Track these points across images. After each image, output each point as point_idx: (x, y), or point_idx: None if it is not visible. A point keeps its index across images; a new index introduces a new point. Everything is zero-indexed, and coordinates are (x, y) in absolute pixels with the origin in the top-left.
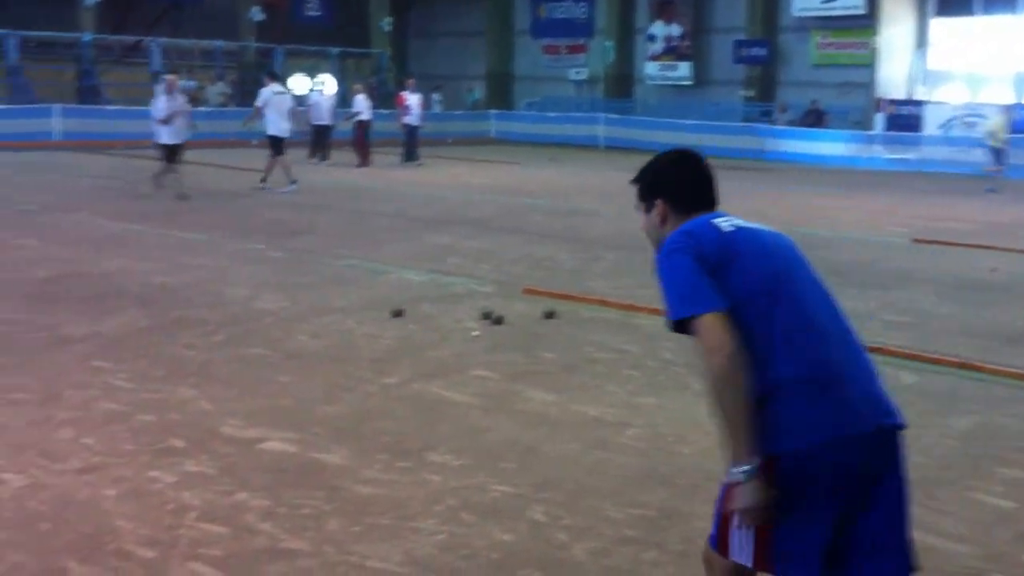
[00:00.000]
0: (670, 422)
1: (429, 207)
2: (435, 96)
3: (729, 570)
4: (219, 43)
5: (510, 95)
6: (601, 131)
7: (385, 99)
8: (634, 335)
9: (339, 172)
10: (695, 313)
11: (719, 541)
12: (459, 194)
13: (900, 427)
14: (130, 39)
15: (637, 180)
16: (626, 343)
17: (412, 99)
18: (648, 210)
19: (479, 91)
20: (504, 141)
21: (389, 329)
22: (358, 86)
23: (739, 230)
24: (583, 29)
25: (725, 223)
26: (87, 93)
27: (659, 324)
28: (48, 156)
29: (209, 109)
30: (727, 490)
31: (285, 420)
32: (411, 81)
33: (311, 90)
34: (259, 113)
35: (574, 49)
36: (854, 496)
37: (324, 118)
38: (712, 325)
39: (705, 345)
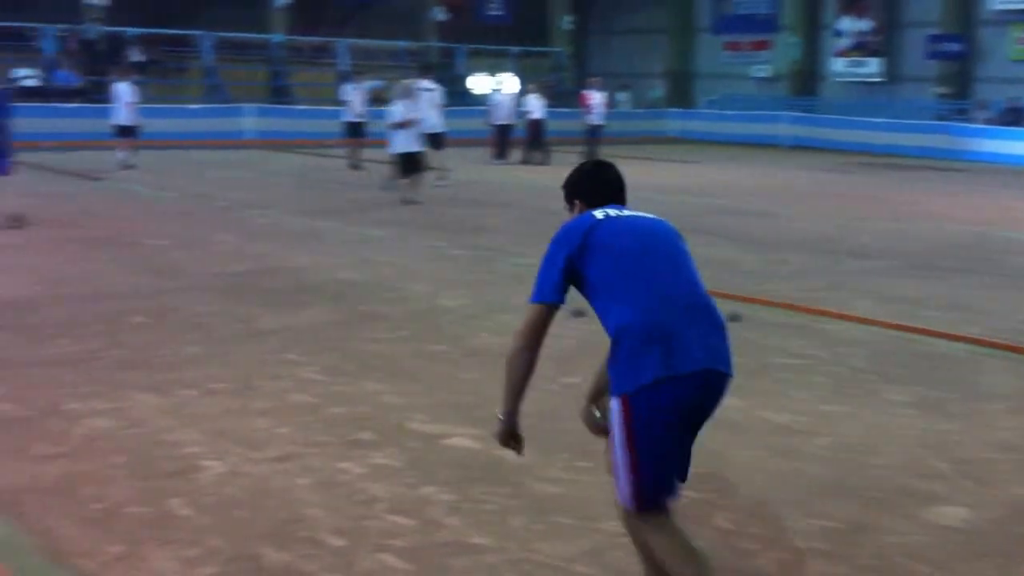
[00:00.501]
0: (860, 432)
1: None
2: (621, 95)
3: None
4: (403, 43)
5: (690, 93)
6: (784, 129)
7: (564, 98)
8: (821, 340)
9: (521, 171)
10: (532, 300)
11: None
12: (638, 194)
13: (728, 375)
14: (319, 40)
15: (563, 186)
16: (813, 348)
17: (596, 98)
18: (571, 209)
19: (659, 89)
20: (684, 140)
21: (570, 328)
22: (531, 85)
23: (611, 218)
24: (767, 25)
25: (604, 213)
26: (277, 93)
27: (849, 330)
28: (240, 154)
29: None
30: None
31: (469, 416)
32: (596, 80)
33: (492, 89)
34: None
35: (757, 45)
36: (691, 426)
37: (505, 117)
38: (532, 313)
39: (521, 324)
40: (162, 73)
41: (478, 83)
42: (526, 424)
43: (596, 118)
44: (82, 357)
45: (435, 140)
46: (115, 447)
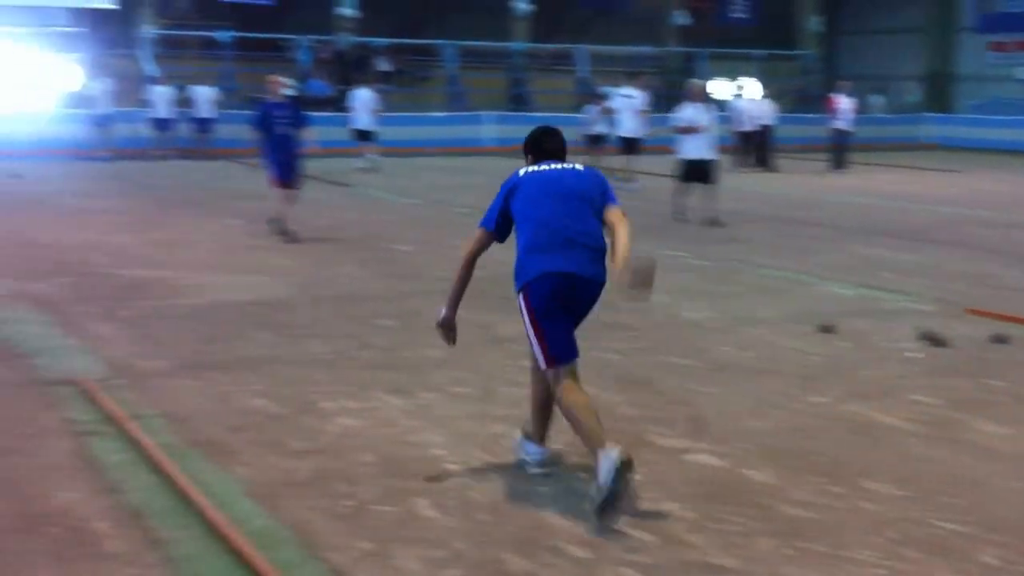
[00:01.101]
0: None
1: (858, 216)
2: (874, 99)
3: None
4: (643, 48)
5: (949, 97)
6: None
7: (810, 102)
8: None
9: (765, 179)
10: (479, 224)
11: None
12: (891, 203)
13: (592, 281)
14: (559, 47)
15: (524, 144)
16: None
17: (844, 102)
18: (527, 161)
19: (916, 93)
20: (942, 147)
21: (817, 345)
22: (767, 91)
23: (537, 171)
24: None
25: (537, 166)
26: (516, 101)
27: None
28: (479, 161)
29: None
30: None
31: (711, 432)
32: (844, 83)
33: (734, 95)
34: (609, 113)
35: None
36: (570, 312)
37: (747, 123)
38: (477, 234)
39: (469, 240)
40: (407, 82)
41: (719, 88)
42: (769, 443)
43: (844, 123)
44: (333, 357)
45: (630, 145)
46: (364, 446)
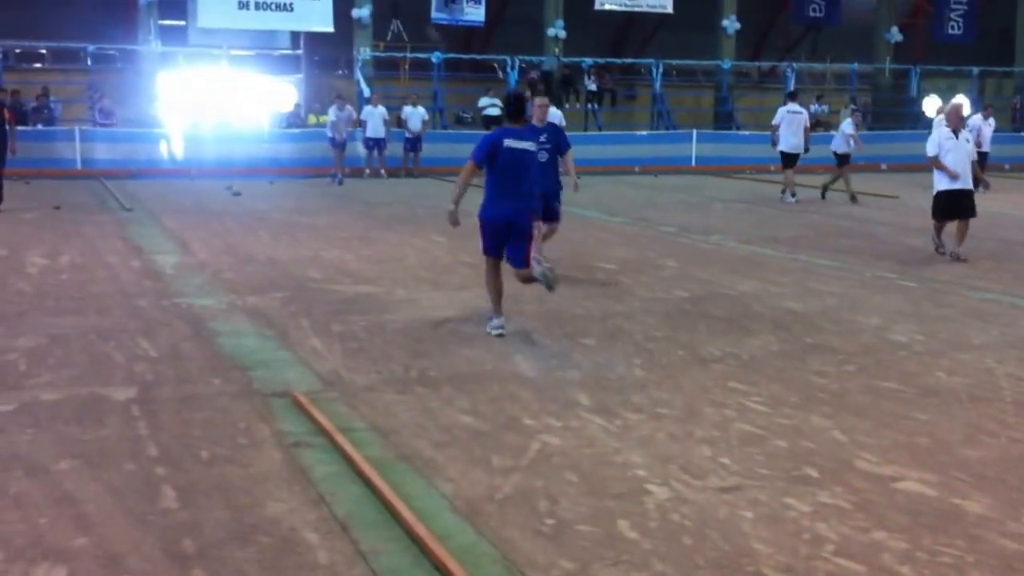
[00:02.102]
0: None
1: None
2: None
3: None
4: (853, 65)
5: None
6: None
7: None
8: None
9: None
10: (470, 158)
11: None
12: None
13: (516, 221)
14: (767, 64)
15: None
16: None
17: None
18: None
19: None
20: None
21: None
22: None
23: (511, 145)
24: None
25: (509, 138)
26: (722, 118)
27: None
28: (684, 179)
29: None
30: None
31: (922, 460)
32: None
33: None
34: (776, 131)
35: None
36: (507, 233)
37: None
38: (468, 165)
39: (466, 165)
40: (613, 100)
41: (931, 105)
42: (984, 472)
43: None
44: (536, 375)
45: (790, 159)
46: (567, 464)
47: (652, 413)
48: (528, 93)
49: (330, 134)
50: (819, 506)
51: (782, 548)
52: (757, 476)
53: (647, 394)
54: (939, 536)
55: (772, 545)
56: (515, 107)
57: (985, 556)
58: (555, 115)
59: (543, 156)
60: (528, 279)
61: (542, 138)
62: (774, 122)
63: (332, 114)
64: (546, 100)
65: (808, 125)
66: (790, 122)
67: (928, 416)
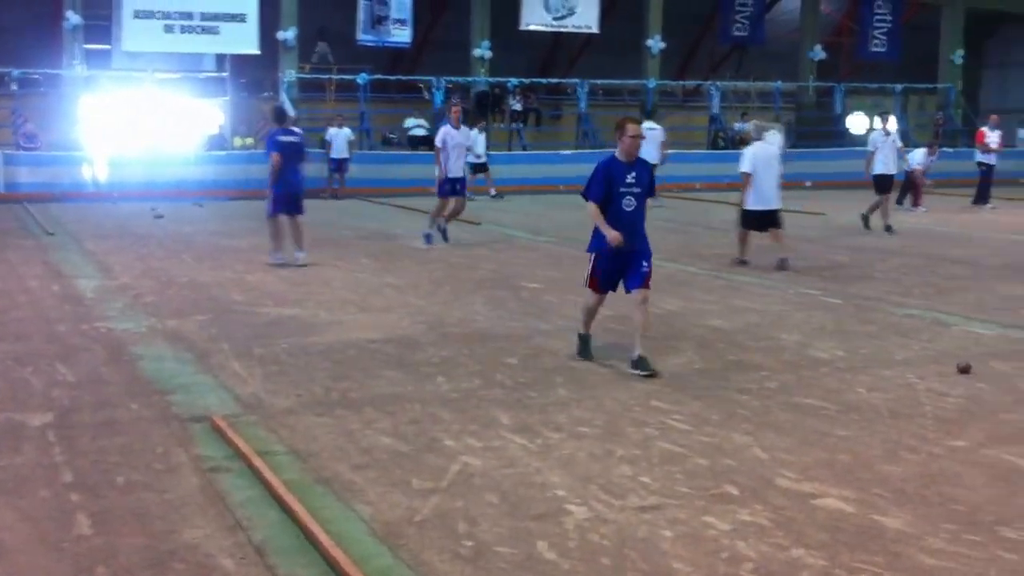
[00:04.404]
0: None
1: (1001, 253)
2: (1022, 132)
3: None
4: (777, 84)
5: None
6: None
7: (951, 137)
8: None
9: (905, 216)
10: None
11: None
12: None
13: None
14: (691, 83)
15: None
16: None
17: (992, 136)
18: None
19: None
20: None
21: (955, 387)
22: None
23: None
24: None
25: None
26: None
27: None
28: None
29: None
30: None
31: (842, 476)
32: (994, 118)
33: (869, 130)
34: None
35: None
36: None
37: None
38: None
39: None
40: (539, 120)
41: (855, 123)
42: (903, 488)
43: (990, 157)
44: (458, 396)
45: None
46: (487, 485)
47: (573, 432)
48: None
49: (332, 155)
50: (739, 524)
51: (700, 567)
52: (677, 495)
53: (569, 413)
54: (858, 553)
55: (691, 564)
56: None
57: (903, 572)
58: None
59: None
60: None
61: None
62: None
63: (330, 135)
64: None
65: (665, 140)
66: (649, 138)
67: (849, 432)
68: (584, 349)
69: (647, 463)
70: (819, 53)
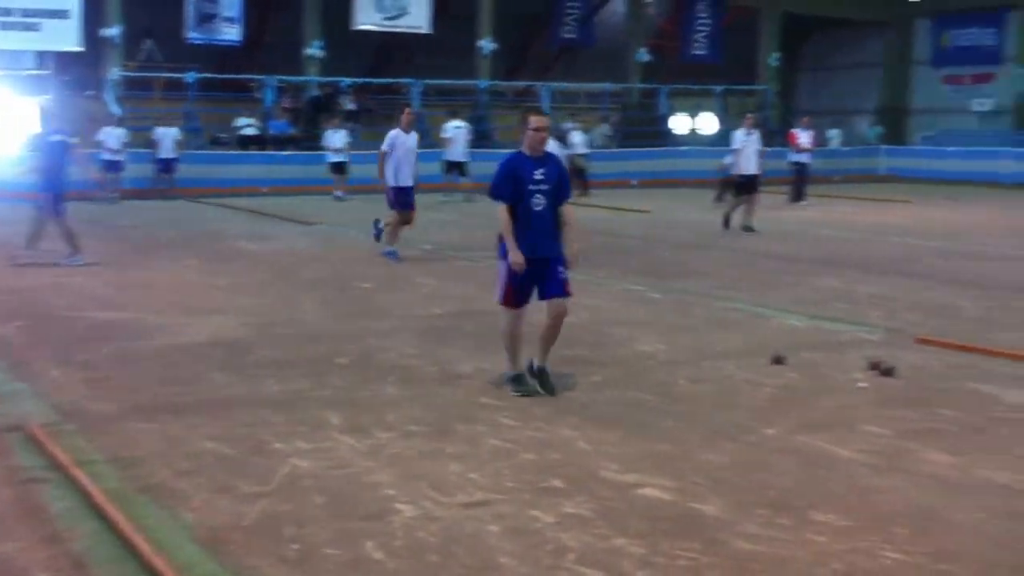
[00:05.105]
0: None
1: (816, 248)
2: (832, 133)
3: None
4: (606, 85)
5: (904, 129)
6: (1007, 166)
7: (770, 136)
8: None
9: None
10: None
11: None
12: (848, 234)
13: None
14: (522, 84)
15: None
16: None
17: (803, 137)
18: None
19: (877, 127)
20: (895, 178)
21: (770, 376)
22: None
23: None
24: (991, 56)
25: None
26: (480, 137)
27: None
28: (438, 197)
29: (592, 151)
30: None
31: (663, 466)
32: (805, 119)
33: (692, 131)
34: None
35: (979, 78)
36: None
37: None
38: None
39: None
40: (372, 120)
41: (679, 123)
42: (721, 476)
43: (803, 157)
44: (288, 397)
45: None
46: (315, 487)
47: (404, 431)
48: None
49: (338, 158)
50: (563, 516)
51: (526, 560)
52: (504, 490)
53: (400, 412)
54: (676, 540)
55: (516, 558)
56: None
57: (720, 558)
58: (339, 134)
59: None
60: None
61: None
62: (445, 136)
63: (157, 135)
64: None
65: (471, 138)
66: (455, 136)
67: (670, 423)
68: (520, 384)
69: (476, 460)
70: (644, 55)
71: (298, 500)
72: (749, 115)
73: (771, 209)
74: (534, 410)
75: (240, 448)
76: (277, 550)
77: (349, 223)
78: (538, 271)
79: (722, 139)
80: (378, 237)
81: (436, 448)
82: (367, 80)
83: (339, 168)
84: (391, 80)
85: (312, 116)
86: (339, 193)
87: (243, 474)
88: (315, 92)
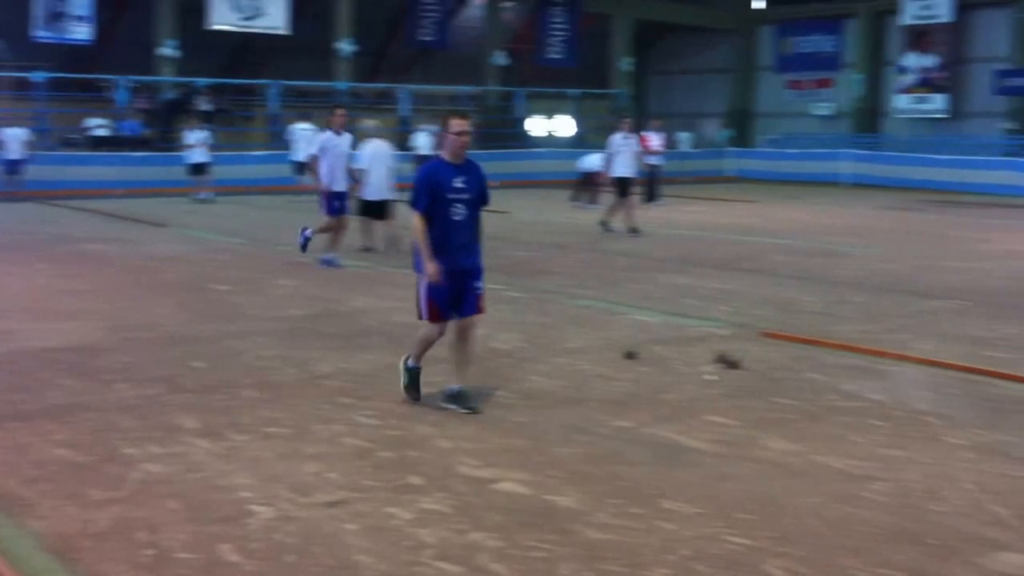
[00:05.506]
0: (919, 477)
1: (668, 247)
2: (682, 135)
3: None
4: (464, 88)
5: (750, 132)
6: (845, 167)
7: None
8: (880, 383)
9: (582, 214)
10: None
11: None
12: (697, 233)
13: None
14: (381, 86)
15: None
16: (872, 391)
17: (655, 139)
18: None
19: (726, 130)
20: (742, 179)
21: (623, 371)
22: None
23: None
24: (831, 63)
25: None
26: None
27: (909, 372)
28: (307, 199)
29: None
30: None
31: (519, 460)
32: (656, 122)
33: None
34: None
35: (820, 83)
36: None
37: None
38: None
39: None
40: (229, 121)
41: (536, 125)
42: (575, 469)
43: (655, 159)
44: (142, 402)
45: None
46: (169, 492)
47: (261, 433)
48: None
49: (199, 159)
50: (421, 513)
51: (384, 557)
52: (363, 488)
53: (257, 414)
54: (532, 532)
55: (374, 555)
56: None
57: (574, 548)
58: (199, 135)
59: None
60: None
61: None
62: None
63: (3, 136)
64: None
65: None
66: (303, 138)
67: (526, 419)
68: (412, 384)
69: (334, 459)
70: (501, 59)
71: (152, 505)
72: (626, 119)
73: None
74: (393, 409)
75: (91, 455)
76: (130, 556)
77: (206, 225)
78: (457, 284)
79: (578, 141)
80: (304, 246)
81: (294, 449)
82: (223, 81)
83: (200, 169)
84: (248, 81)
85: (167, 117)
86: (202, 194)
87: (94, 481)
88: (171, 94)
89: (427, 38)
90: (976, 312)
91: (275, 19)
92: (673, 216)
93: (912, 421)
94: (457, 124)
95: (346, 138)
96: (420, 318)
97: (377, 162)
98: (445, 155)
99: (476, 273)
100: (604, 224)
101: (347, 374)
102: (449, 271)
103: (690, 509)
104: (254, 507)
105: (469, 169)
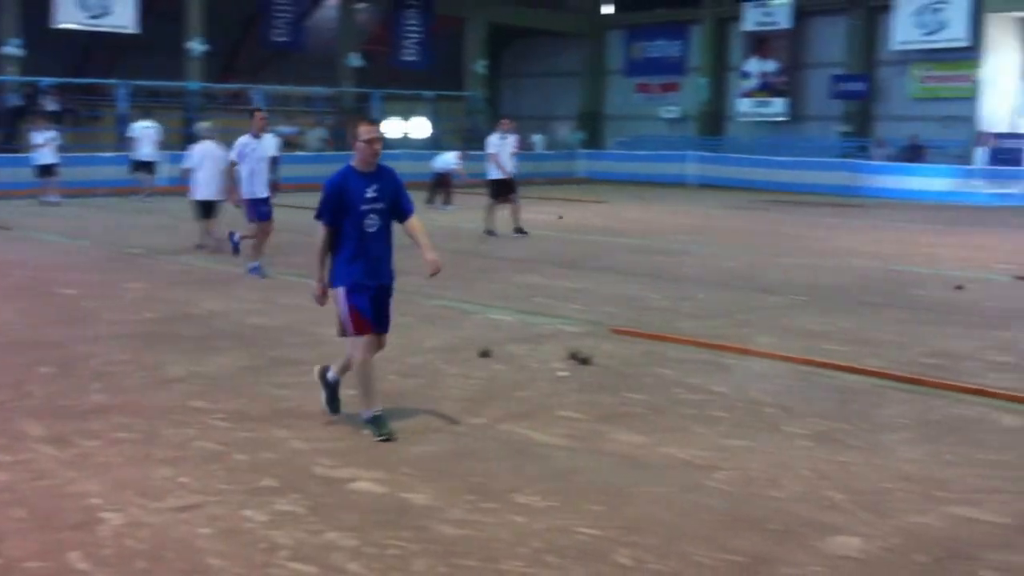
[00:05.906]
0: (760, 465)
1: (519, 247)
2: (536, 138)
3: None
4: (319, 89)
5: (601, 134)
6: (691, 169)
7: (479, 141)
8: (724, 376)
9: (438, 215)
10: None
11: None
12: (549, 233)
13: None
14: (234, 87)
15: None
16: (715, 384)
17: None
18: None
19: (574, 131)
20: (592, 180)
21: (477, 369)
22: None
23: None
24: (677, 67)
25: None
26: (193, 140)
27: (751, 365)
28: (155, 202)
29: (308, 154)
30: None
31: (376, 460)
32: (505, 122)
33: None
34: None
35: (667, 87)
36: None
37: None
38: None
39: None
40: (77, 121)
41: (392, 127)
42: (430, 466)
43: (455, 163)
44: None
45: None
46: (15, 500)
47: (110, 439)
48: None
49: (47, 160)
50: (276, 514)
51: (238, 560)
52: (216, 492)
53: (106, 419)
54: (387, 530)
55: (228, 558)
56: None
57: (429, 544)
58: (46, 135)
59: None
60: None
61: None
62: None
63: (34, 139)
64: None
65: (161, 139)
66: (142, 136)
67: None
68: (382, 426)
69: (186, 463)
70: (356, 60)
71: None
72: (504, 119)
73: (479, 210)
74: (248, 412)
75: None
76: None
77: (53, 228)
78: (377, 299)
79: (434, 143)
80: (236, 250)
81: (145, 454)
82: (69, 80)
83: (48, 170)
84: (96, 80)
85: (11, 120)
86: (52, 197)
87: None
88: (14, 98)
89: (281, 39)
90: (813, 307)
91: (123, 17)
92: (527, 217)
93: (754, 412)
94: (367, 131)
95: (267, 140)
96: (343, 335)
97: (207, 162)
98: (355, 164)
99: (391, 290)
100: (488, 231)
101: (199, 377)
102: (370, 285)
103: (542, 502)
104: (104, 514)
105: (381, 177)
